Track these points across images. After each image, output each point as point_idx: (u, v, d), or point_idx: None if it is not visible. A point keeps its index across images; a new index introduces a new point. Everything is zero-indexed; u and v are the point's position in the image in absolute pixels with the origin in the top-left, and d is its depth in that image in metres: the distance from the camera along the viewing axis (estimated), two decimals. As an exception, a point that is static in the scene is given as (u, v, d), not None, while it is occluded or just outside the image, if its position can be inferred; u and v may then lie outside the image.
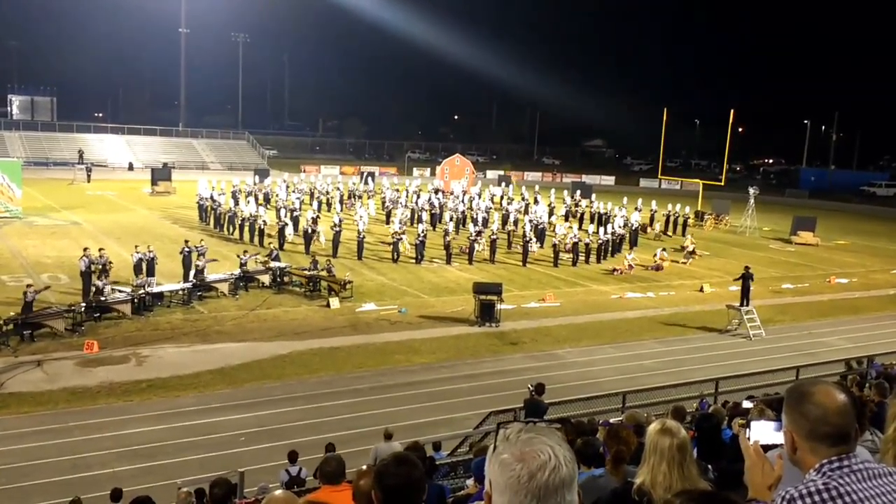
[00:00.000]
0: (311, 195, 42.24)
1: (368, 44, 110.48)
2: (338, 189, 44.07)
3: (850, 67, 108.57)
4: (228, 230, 34.46)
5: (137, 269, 23.55)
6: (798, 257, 38.21)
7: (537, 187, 51.22)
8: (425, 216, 37.64)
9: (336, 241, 30.57)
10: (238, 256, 24.91)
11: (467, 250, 31.02)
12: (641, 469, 3.36)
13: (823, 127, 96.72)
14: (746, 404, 10.18)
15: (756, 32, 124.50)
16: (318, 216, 33.54)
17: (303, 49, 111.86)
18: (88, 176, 51.75)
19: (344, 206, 40.66)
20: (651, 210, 43.65)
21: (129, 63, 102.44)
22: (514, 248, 33.40)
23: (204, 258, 23.71)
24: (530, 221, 35.43)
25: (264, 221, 32.41)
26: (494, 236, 32.71)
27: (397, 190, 43.44)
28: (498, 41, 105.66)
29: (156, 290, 21.96)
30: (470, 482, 7.47)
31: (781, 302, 28.16)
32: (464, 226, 36.88)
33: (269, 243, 29.55)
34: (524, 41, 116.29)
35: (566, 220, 40.90)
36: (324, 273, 24.60)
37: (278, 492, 3.65)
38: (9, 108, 71.63)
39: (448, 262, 30.31)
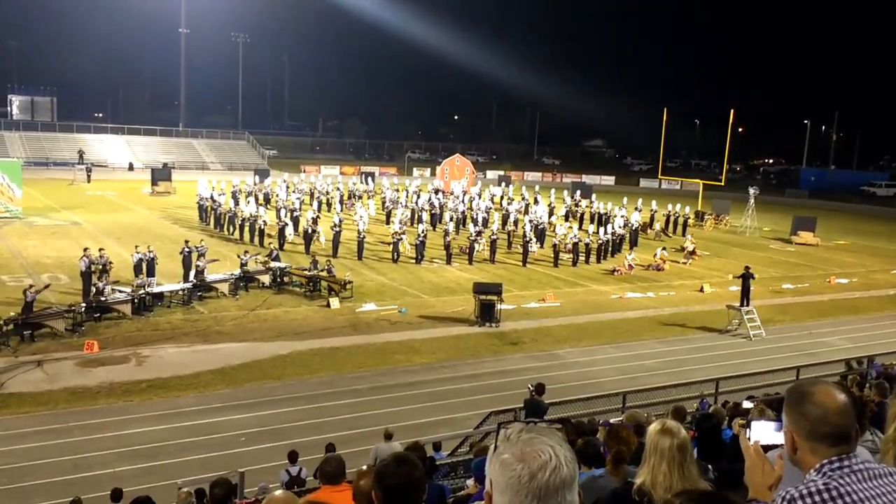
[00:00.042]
0: (311, 195, 42.24)
1: (368, 44, 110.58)
2: (338, 189, 44.05)
3: (850, 67, 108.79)
4: (228, 230, 34.45)
5: (137, 269, 23.55)
6: (798, 257, 38.20)
7: (537, 187, 51.23)
8: (425, 216, 37.62)
9: (336, 242, 30.56)
10: (238, 256, 24.92)
11: (467, 250, 31.02)
12: (642, 469, 3.36)
13: (823, 127, 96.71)
14: (747, 404, 10.19)
15: (756, 32, 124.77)
16: (318, 216, 33.53)
17: (303, 49, 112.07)
18: (88, 176, 51.76)
19: (344, 206, 40.60)
20: (651, 210, 43.61)
21: (129, 63, 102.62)
22: (515, 249, 33.38)
23: (204, 258, 23.73)
24: (530, 221, 35.39)
25: (264, 221, 32.41)
26: (494, 236, 32.69)
27: (397, 190, 43.43)
28: (498, 41, 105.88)
29: (156, 290, 21.99)
30: (470, 482, 7.47)
31: (781, 302, 28.16)
32: (464, 226, 36.86)
33: (270, 243, 29.55)
34: (524, 41, 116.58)
35: (566, 220, 40.88)
36: (324, 273, 24.61)
37: (278, 492, 3.66)
38: (9, 108, 71.59)
39: (448, 262, 30.30)
